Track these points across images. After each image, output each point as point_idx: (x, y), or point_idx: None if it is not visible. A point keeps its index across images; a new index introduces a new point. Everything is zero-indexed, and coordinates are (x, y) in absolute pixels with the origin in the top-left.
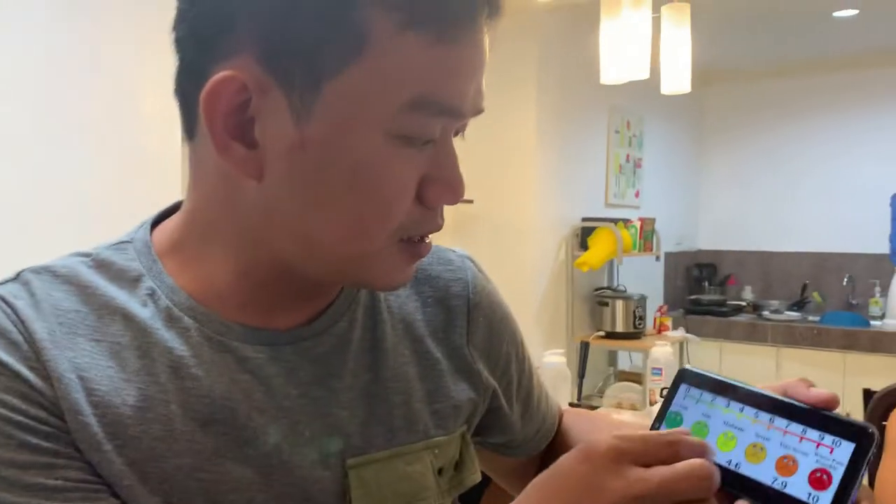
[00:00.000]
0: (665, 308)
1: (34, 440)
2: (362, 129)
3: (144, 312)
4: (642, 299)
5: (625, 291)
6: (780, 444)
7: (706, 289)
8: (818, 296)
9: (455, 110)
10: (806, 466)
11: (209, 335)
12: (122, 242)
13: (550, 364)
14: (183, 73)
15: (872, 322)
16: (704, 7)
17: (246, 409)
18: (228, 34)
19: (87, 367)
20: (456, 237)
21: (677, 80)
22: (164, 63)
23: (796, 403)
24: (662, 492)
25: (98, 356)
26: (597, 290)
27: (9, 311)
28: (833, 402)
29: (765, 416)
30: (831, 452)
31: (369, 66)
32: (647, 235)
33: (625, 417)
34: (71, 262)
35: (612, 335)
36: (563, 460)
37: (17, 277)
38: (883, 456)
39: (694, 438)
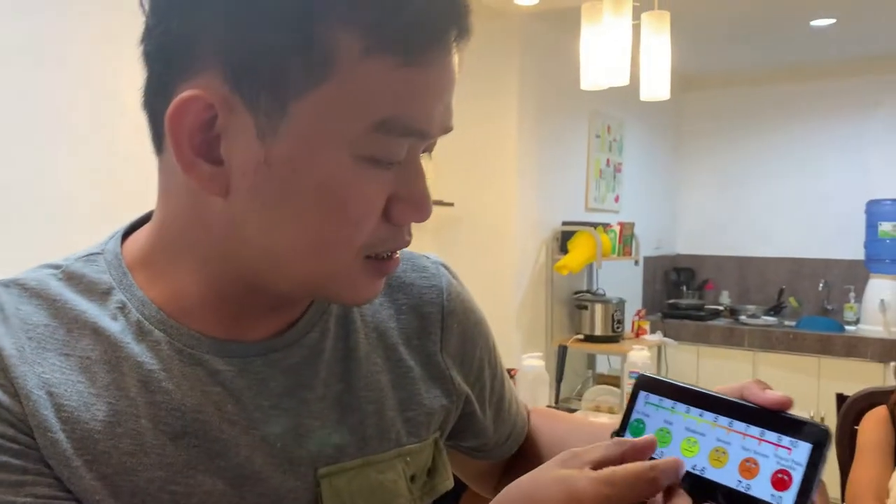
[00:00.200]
0: (643, 312)
1: (3, 458)
2: (328, 150)
3: (115, 326)
4: (621, 303)
5: (604, 295)
6: (741, 448)
7: (684, 293)
8: (794, 301)
9: (423, 132)
10: (767, 468)
11: (180, 348)
12: (93, 254)
13: (529, 367)
14: (150, 89)
15: (847, 327)
16: (684, 15)
17: (217, 422)
18: (195, 52)
19: (56, 382)
20: (437, 240)
21: (656, 86)
22: None
23: (753, 406)
24: None
25: (68, 371)
26: (576, 293)
27: None
28: (787, 404)
29: (724, 420)
30: (790, 453)
31: (335, 89)
32: (626, 240)
33: (603, 420)
34: (40, 275)
35: (590, 338)
36: (546, 492)
37: None
38: (855, 458)
39: (666, 462)
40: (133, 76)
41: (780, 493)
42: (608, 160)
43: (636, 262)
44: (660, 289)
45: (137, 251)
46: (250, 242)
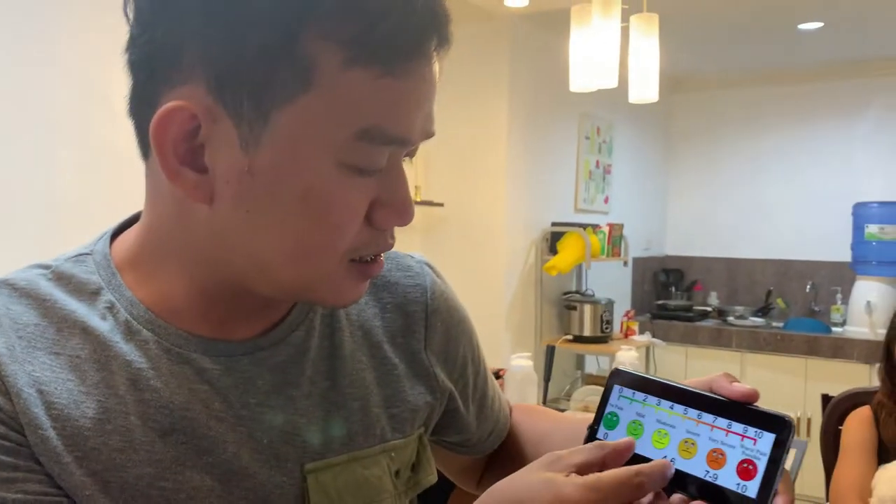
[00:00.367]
0: (632, 313)
1: None
2: (310, 158)
3: (103, 326)
4: (610, 304)
5: (593, 296)
6: (709, 439)
7: (673, 294)
8: (782, 302)
9: (404, 140)
10: (733, 458)
11: (168, 347)
12: (82, 255)
13: (518, 367)
14: (135, 97)
15: (834, 329)
16: (673, 17)
17: (205, 419)
18: (178, 62)
19: (46, 380)
20: (426, 240)
21: (645, 88)
22: None
23: (721, 399)
24: None
25: (58, 369)
26: (565, 293)
27: None
28: (753, 396)
29: (693, 412)
30: (755, 444)
31: (317, 99)
32: (615, 241)
33: (586, 417)
34: (30, 275)
35: (579, 339)
36: (532, 495)
37: None
38: (839, 457)
39: (652, 467)
40: (126, 75)
41: (745, 482)
42: (597, 161)
43: (625, 263)
44: (648, 290)
45: (126, 252)
46: (235, 248)
